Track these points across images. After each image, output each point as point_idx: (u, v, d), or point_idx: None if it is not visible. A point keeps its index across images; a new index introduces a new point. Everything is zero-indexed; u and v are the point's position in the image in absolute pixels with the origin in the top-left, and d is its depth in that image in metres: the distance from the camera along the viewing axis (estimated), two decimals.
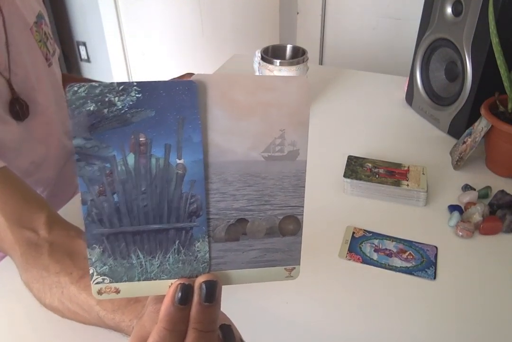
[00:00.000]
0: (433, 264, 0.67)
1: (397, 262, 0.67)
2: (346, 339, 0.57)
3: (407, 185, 0.77)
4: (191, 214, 0.34)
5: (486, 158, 0.87)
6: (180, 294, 0.33)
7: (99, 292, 0.35)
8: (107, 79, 1.02)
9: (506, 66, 0.78)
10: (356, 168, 0.81)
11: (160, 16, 2.27)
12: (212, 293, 0.34)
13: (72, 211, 0.75)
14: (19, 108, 0.73)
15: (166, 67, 2.41)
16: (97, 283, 0.34)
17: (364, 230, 0.72)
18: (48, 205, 0.60)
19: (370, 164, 0.82)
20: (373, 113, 1.04)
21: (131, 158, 0.32)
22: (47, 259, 0.54)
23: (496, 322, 0.59)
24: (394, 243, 0.70)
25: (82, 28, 2.61)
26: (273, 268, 0.37)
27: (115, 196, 0.33)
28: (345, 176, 0.79)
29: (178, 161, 0.32)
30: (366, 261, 0.67)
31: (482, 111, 0.82)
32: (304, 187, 0.35)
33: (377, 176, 0.79)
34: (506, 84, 0.80)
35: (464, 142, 0.85)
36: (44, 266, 0.53)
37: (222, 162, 0.33)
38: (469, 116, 0.89)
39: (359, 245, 0.70)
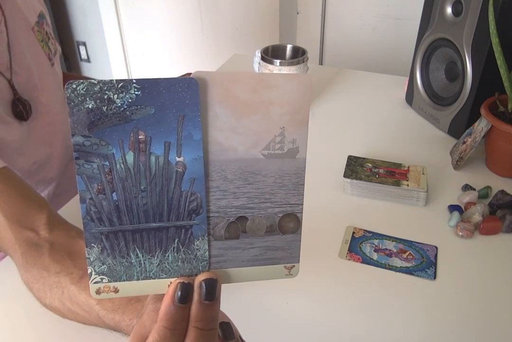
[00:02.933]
0: (433, 264, 0.67)
1: (397, 262, 0.67)
2: (346, 339, 0.57)
3: (407, 185, 0.77)
4: (191, 212, 0.34)
5: (486, 158, 0.87)
6: (180, 293, 0.33)
7: (98, 292, 0.34)
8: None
9: (506, 66, 0.78)
10: (356, 168, 0.81)
11: (160, 16, 2.26)
12: (212, 291, 0.34)
13: (73, 211, 0.75)
14: (22, 109, 0.73)
15: (166, 67, 2.41)
16: (95, 282, 0.34)
17: (364, 230, 0.72)
18: (48, 205, 0.60)
19: (370, 164, 0.82)
20: (373, 113, 1.04)
21: (130, 156, 0.32)
22: (48, 259, 0.54)
23: (496, 322, 0.59)
24: (394, 243, 0.70)
25: (82, 28, 2.61)
26: (273, 266, 0.37)
27: (114, 194, 0.32)
28: (345, 176, 0.79)
29: (178, 159, 0.32)
30: (366, 261, 0.67)
31: (482, 111, 0.82)
32: (303, 184, 0.35)
33: (377, 176, 0.79)
34: (506, 84, 0.80)
35: (464, 142, 0.85)
36: (45, 266, 0.53)
37: (223, 160, 0.33)
38: (469, 116, 0.89)
39: (359, 245, 0.70)
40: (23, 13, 0.74)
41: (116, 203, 0.33)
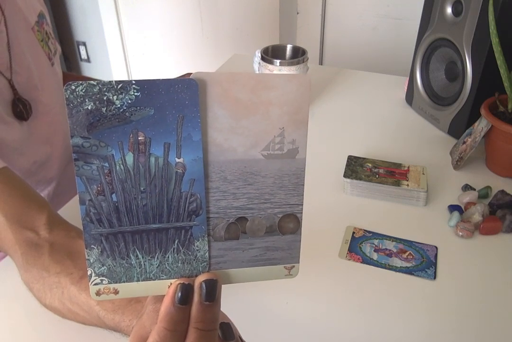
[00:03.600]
0: (433, 264, 0.67)
1: (397, 262, 0.67)
2: (346, 339, 0.57)
3: (407, 185, 0.77)
4: (190, 213, 0.34)
5: (486, 158, 0.87)
6: (180, 294, 0.33)
7: (98, 293, 0.34)
8: (107, 79, 1.02)
9: (506, 66, 0.78)
10: (356, 168, 0.81)
11: (160, 16, 2.26)
12: (212, 292, 0.34)
13: (73, 211, 0.75)
14: (22, 108, 0.73)
15: (166, 67, 2.41)
16: (95, 284, 0.34)
17: (364, 230, 0.72)
18: (49, 205, 0.60)
19: (370, 164, 0.82)
20: (373, 113, 1.04)
21: (130, 158, 0.32)
22: (48, 259, 0.54)
23: (496, 322, 0.59)
24: (394, 243, 0.70)
25: (82, 28, 2.60)
26: (273, 266, 0.37)
27: (113, 195, 0.32)
28: (345, 176, 0.79)
29: (178, 160, 0.32)
30: (366, 261, 0.67)
31: (482, 111, 0.82)
32: (303, 185, 0.35)
33: (377, 176, 0.79)
34: (506, 84, 0.80)
35: (464, 142, 0.85)
36: (45, 266, 0.53)
37: (222, 160, 0.33)
38: (469, 116, 0.89)
39: (359, 245, 0.70)
40: (23, 13, 0.74)
41: (116, 204, 0.33)
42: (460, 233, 0.71)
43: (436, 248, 0.69)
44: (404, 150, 0.91)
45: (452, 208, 0.75)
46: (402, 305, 0.61)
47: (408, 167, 0.81)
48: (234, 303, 0.56)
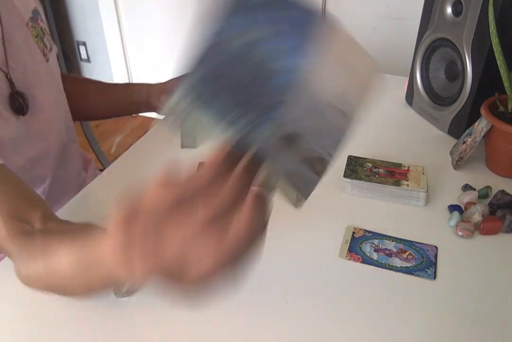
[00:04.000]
0: (433, 264, 0.67)
1: (397, 262, 0.67)
2: (346, 339, 0.57)
3: (407, 185, 0.77)
4: (272, 105, 0.37)
5: (486, 158, 0.87)
6: (237, 143, 0.36)
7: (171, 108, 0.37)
8: (107, 79, 1.02)
9: (506, 66, 0.78)
10: (356, 168, 0.81)
11: (160, 16, 2.27)
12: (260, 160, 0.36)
13: (73, 211, 0.75)
14: (21, 102, 0.73)
15: (166, 67, 2.41)
16: (175, 101, 0.37)
17: (364, 230, 0.72)
18: (44, 203, 0.59)
19: (370, 164, 0.82)
20: (373, 113, 1.04)
21: (239, 40, 0.36)
22: (39, 238, 0.53)
23: (496, 322, 0.59)
24: (394, 243, 0.70)
25: (82, 28, 2.60)
26: (291, 189, 0.40)
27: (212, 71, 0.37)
28: (345, 176, 0.79)
29: (282, 61, 0.36)
30: (366, 261, 0.67)
31: (482, 111, 0.82)
32: (344, 142, 0.42)
33: (377, 176, 0.79)
34: (506, 84, 0.80)
35: (464, 142, 0.85)
36: (37, 247, 0.52)
37: (308, 91, 0.38)
38: (469, 116, 0.90)
39: (359, 245, 0.70)
40: (17, 9, 0.74)
41: (208, 78, 0.37)
42: (460, 233, 0.71)
43: (436, 248, 0.69)
44: (404, 150, 0.91)
45: (452, 208, 0.75)
46: (402, 305, 0.61)
47: (408, 167, 0.81)
48: (234, 303, 0.56)
